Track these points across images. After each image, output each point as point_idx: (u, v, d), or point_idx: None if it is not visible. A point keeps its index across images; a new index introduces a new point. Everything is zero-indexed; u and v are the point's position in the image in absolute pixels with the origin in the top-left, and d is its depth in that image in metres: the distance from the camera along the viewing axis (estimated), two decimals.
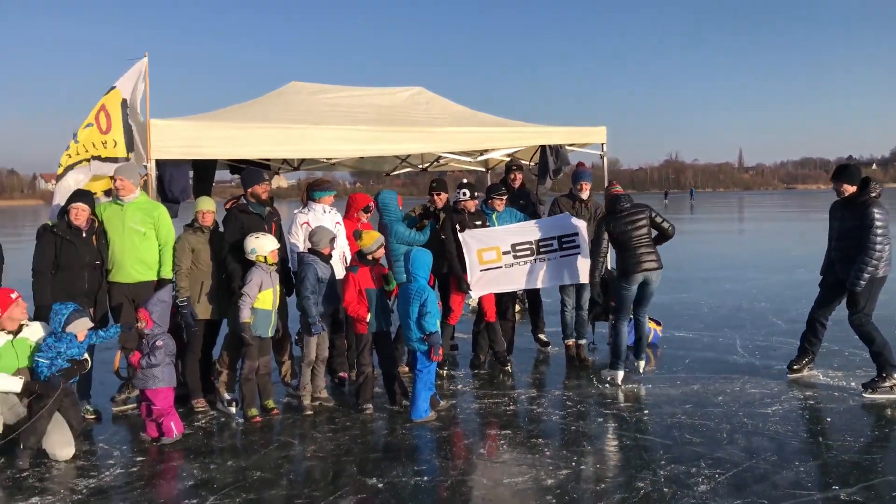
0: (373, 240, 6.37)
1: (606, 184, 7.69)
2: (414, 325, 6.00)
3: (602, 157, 9.26)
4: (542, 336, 8.55)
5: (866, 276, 6.20)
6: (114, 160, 6.99)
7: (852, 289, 6.28)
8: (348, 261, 6.88)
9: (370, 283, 6.28)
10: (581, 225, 7.58)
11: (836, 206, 6.63)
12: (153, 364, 5.66)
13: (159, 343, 5.71)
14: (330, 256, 6.46)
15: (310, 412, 6.26)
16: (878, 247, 6.15)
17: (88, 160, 6.99)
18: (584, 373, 7.44)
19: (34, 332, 5.56)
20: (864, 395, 6.31)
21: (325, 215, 7.00)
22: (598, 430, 5.72)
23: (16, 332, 5.46)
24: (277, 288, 6.23)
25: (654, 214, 7.05)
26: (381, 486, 4.71)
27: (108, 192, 6.95)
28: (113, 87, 7.21)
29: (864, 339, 6.43)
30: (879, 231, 6.17)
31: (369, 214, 7.34)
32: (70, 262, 6.06)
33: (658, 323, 8.62)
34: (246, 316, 6.03)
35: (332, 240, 6.49)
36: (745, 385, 6.76)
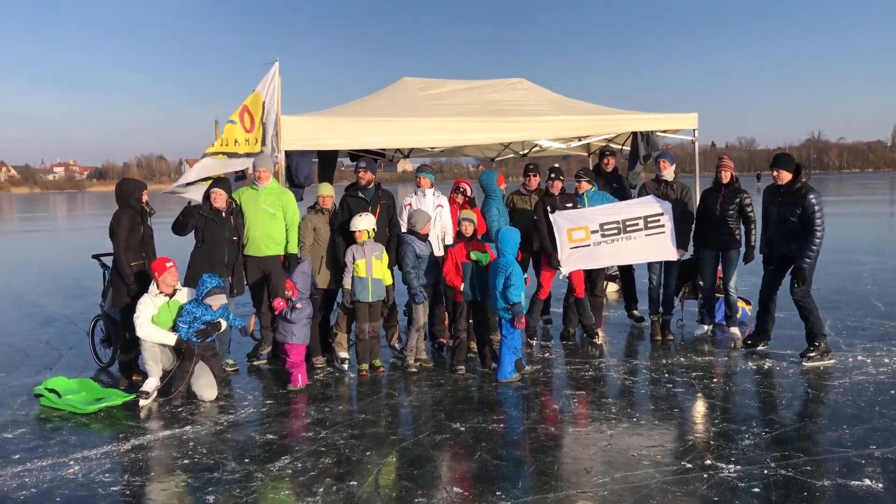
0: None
1: (699, 171, 8.13)
2: (499, 296, 6.77)
3: (693, 142, 9.58)
4: (635, 312, 9.06)
5: (812, 254, 6.84)
6: (249, 155, 8.16)
7: (801, 265, 6.85)
8: (447, 238, 7.75)
9: (465, 258, 7.10)
10: (667, 206, 8.03)
11: (771, 191, 7.27)
12: (291, 321, 6.73)
13: (299, 306, 6.78)
14: (426, 235, 7.30)
15: (414, 369, 7.19)
16: (819, 230, 6.78)
17: (225, 154, 8.16)
18: (667, 346, 7.94)
19: (184, 296, 6.75)
20: (803, 364, 7.01)
21: (426, 198, 7.85)
22: (665, 394, 6.28)
23: (171, 295, 6.67)
24: (371, 259, 7.14)
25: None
26: (462, 429, 5.53)
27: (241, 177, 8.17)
28: (255, 91, 8.37)
29: (804, 311, 7.08)
30: (818, 214, 6.84)
31: (464, 196, 8.07)
32: (212, 238, 7.24)
33: (748, 302, 8.93)
34: (346, 283, 7.09)
35: (428, 221, 7.32)
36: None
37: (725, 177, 7.91)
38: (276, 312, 6.85)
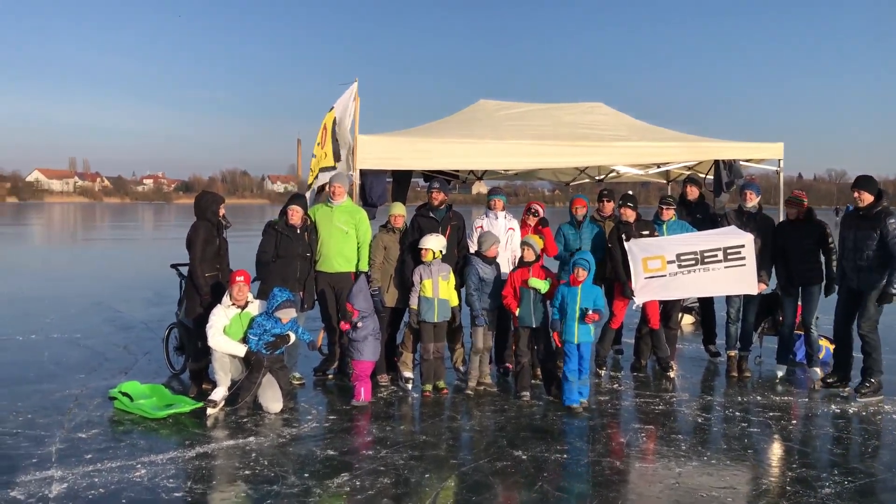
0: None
1: (782, 200, 7.80)
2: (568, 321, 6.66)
3: (778, 172, 9.23)
4: (711, 347, 8.74)
5: (880, 277, 6.57)
6: (328, 169, 8.33)
7: (889, 290, 6.58)
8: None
9: (524, 283, 6.99)
10: (748, 238, 7.71)
11: (849, 217, 7.09)
12: (356, 339, 6.77)
13: (360, 324, 6.81)
14: (494, 258, 7.23)
15: (470, 392, 7.11)
16: None
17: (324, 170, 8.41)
18: (742, 383, 7.60)
19: (256, 308, 6.87)
20: (857, 399, 6.86)
21: (497, 220, 7.79)
22: (739, 433, 5.99)
23: (243, 307, 6.79)
24: (438, 280, 7.10)
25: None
26: (524, 457, 5.40)
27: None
28: (332, 108, 8.56)
29: (868, 346, 6.89)
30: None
31: (535, 217, 7.96)
32: (287, 253, 7.35)
33: (831, 341, 8.47)
34: (412, 302, 7.10)
35: (495, 243, 7.24)
36: None
37: (792, 214, 7.54)
38: (343, 329, 6.89)
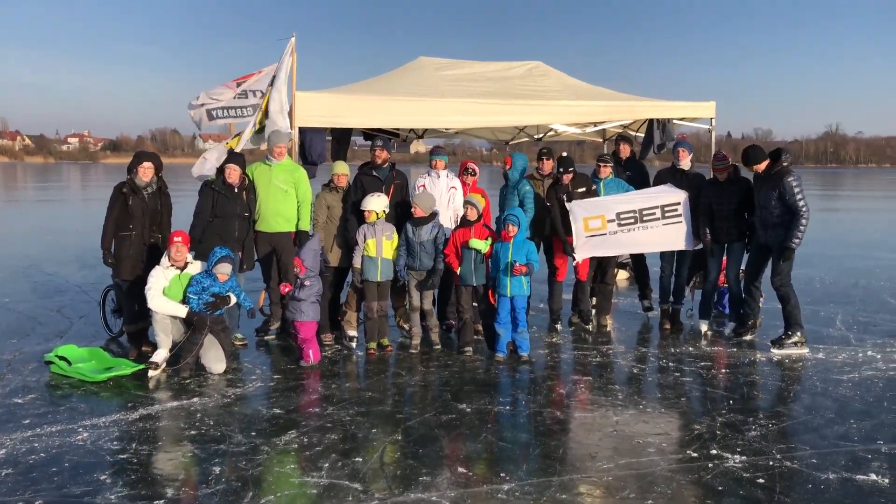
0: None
1: (713, 157, 8.00)
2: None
3: (710, 131, 9.48)
4: (645, 301, 9.02)
5: (799, 235, 6.94)
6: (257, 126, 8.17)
7: (789, 245, 6.96)
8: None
9: (466, 242, 7.08)
10: (683, 195, 7.94)
11: (755, 180, 7.38)
12: (300, 299, 6.75)
13: (307, 283, 6.78)
14: (426, 218, 7.23)
15: (414, 351, 7.20)
16: (804, 208, 6.88)
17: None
18: (675, 335, 7.92)
19: (196, 269, 6.77)
20: (772, 350, 7.18)
21: (439, 180, 7.82)
22: (673, 382, 6.27)
23: (182, 268, 6.69)
24: (382, 239, 7.13)
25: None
26: (468, 410, 5.54)
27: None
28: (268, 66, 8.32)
29: (783, 300, 7.22)
30: (798, 195, 6.94)
31: (473, 177, 8.01)
32: (224, 212, 7.24)
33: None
34: (356, 262, 7.15)
35: (418, 207, 7.21)
36: (831, 355, 7.04)
37: (721, 176, 7.73)
38: (284, 292, 6.85)
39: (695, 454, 4.69)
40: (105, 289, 7.81)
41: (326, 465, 4.52)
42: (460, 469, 4.48)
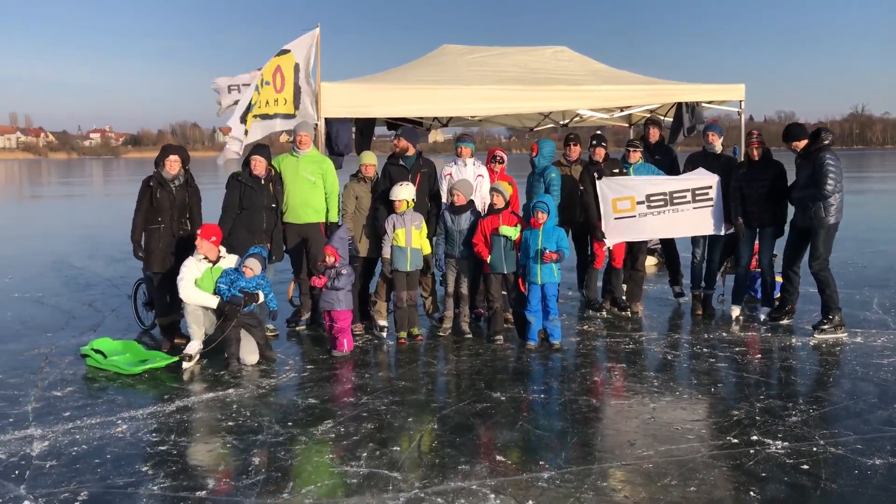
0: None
1: (744, 141, 7.88)
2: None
3: (740, 114, 9.33)
4: (676, 287, 8.92)
5: (829, 210, 6.84)
6: (285, 116, 8.12)
7: (814, 226, 6.88)
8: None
9: (495, 230, 7.03)
10: (715, 179, 7.83)
11: (796, 160, 7.24)
12: (337, 288, 6.75)
13: (343, 272, 6.78)
14: (462, 206, 7.21)
15: (443, 334, 7.26)
16: (829, 187, 6.71)
17: (259, 117, 8.07)
18: (707, 321, 7.83)
19: (228, 263, 6.79)
20: (814, 335, 7.03)
21: (466, 167, 7.77)
22: (708, 368, 6.19)
23: (214, 262, 6.71)
24: (410, 229, 7.10)
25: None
26: (503, 398, 5.52)
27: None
28: (286, 51, 8.20)
29: (821, 284, 7.05)
30: (830, 174, 6.76)
31: (501, 164, 7.97)
32: (251, 204, 7.25)
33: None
34: (385, 252, 7.12)
35: (458, 192, 7.21)
36: (869, 339, 6.92)
37: (755, 154, 7.57)
38: (321, 286, 6.81)
39: (735, 440, 4.64)
40: (136, 282, 7.87)
41: (364, 454, 4.52)
42: (498, 457, 4.46)
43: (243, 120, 7.75)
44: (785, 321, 7.53)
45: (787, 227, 7.49)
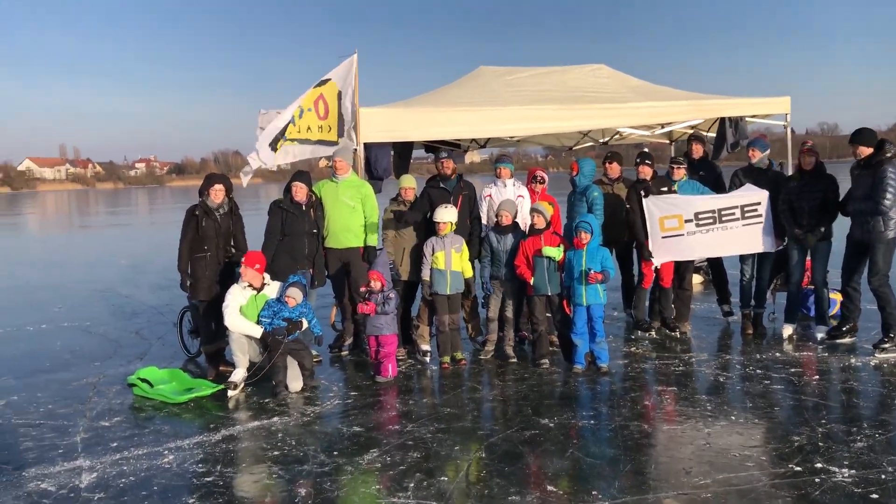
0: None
1: (792, 157, 7.69)
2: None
3: (786, 127, 9.11)
4: (725, 306, 8.68)
5: (882, 226, 6.57)
6: (328, 143, 8.18)
7: (872, 241, 6.62)
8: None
9: (537, 251, 6.92)
10: (764, 195, 7.61)
11: (853, 170, 6.99)
12: (386, 313, 6.70)
13: (391, 296, 6.74)
14: (508, 227, 7.14)
15: (485, 357, 7.14)
16: (888, 202, 6.46)
17: (297, 141, 8.14)
18: (759, 340, 7.59)
19: (272, 290, 6.79)
20: (875, 354, 6.76)
21: (506, 188, 7.69)
22: (763, 390, 5.98)
23: (259, 289, 6.72)
24: (451, 252, 7.03)
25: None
26: (551, 425, 5.38)
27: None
28: (327, 80, 8.30)
29: (881, 300, 6.81)
30: (889, 188, 6.52)
31: (542, 184, 7.88)
32: (293, 230, 7.28)
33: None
34: (424, 275, 7.08)
35: (505, 211, 7.15)
36: None
37: (808, 164, 7.31)
38: (370, 312, 6.73)
39: (798, 468, 4.43)
40: (181, 310, 7.93)
41: (412, 484, 4.42)
42: (549, 487, 4.33)
43: (273, 147, 7.86)
44: (847, 340, 7.24)
45: (833, 241, 7.26)
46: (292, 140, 8.07)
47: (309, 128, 8.19)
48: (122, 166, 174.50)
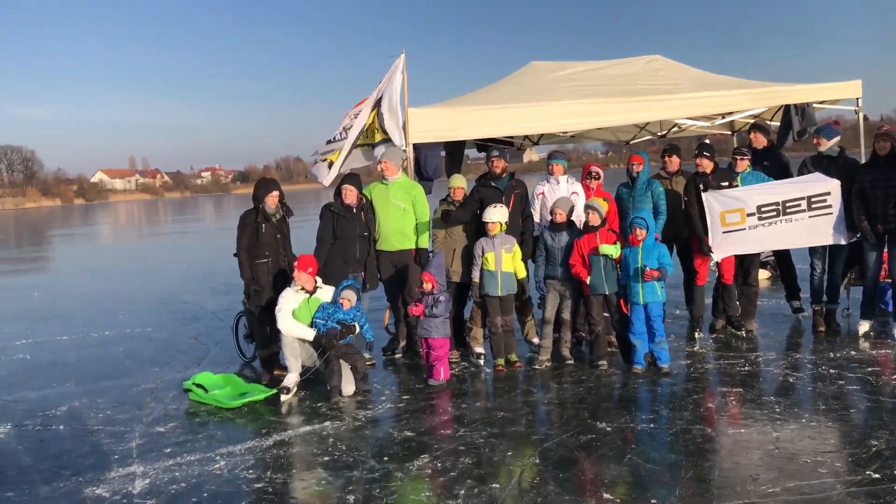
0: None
1: (865, 145, 7.28)
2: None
3: (857, 112, 8.63)
4: (794, 302, 8.27)
5: None
6: (371, 145, 8.17)
7: None
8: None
9: (593, 249, 6.69)
10: (834, 184, 7.21)
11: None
12: (436, 315, 6.60)
13: (441, 299, 6.64)
14: (563, 224, 6.94)
15: (539, 367, 6.87)
16: None
17: (375, 144, 8.17)
18: (832, 338, 7.20)
19: (325, 294, 6.76)
20: None
21: (559, 186, 7.49)
22: (837, 391, 5.63)
23: (311, 293, 6.69)
24: (501, 252, 6.86)
25: None
26: (609, 429, 5.17)
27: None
28: (378, 84, 8.29)
29: None
30: None
31: (597, 180, 7.65)
32: (344, 234, 7.24)
33: None
34: (475, 276, 6.95)
35: (560, 208, 6.95)
36: None
37: (882, 148, 6.86)
38: (419, 314, 6.65)
39: (877, 475, 4.13)
40: (237, 315, 7.98)
41: (462, 491, 4.29)
42: (606, 495, 4.13)
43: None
44: None
45: None
46: (362, 146, 8.26)
47: (366, 134, 8.24)
48: (188, 175, 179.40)
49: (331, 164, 8.18)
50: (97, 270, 18.87)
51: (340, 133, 8.35)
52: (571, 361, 6.96)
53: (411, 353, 7.55)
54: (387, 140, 8.05)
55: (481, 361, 7.15)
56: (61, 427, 5.95)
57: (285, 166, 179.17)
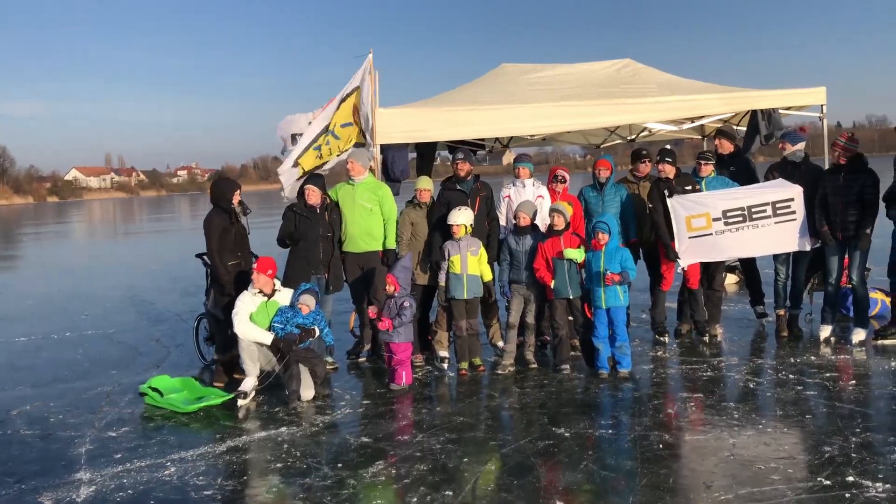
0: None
1: (827, 148, 7.33)
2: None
3: (821, 119, 8.69)
4: (758, 307, 8.30)
5: None
6: (358, 146, 8.09)
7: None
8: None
9: (557, 253, 6.66)
10: (798, 190, 7.25)
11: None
12: (404, 319, 6.51)
13: (406, 304, 6.54)
14: (527, 228, 6.90)
15: (502, 371, 6.81)
16: None
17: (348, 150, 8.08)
18: (794, 343, 7.23)
19: (283, 297, 6.65)
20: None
21: (525, 188, 7.45)
22: (795, 398, 5.64)
23: (269, 296, 6.59)
24: (466, 255, 6.81)
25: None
26: (567, 434, 5.13)
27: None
28: (357, 88, 8.16)
29: None
30: None
31: (563, 184, 7.61)
32: (307, 235, 7.14)
33: (886, 294, 8.01)
34: (441, 279, 6.91)
35: (522, 212, 6.91)
36: None
37: (835, 157, 6.92)
38: (388, 329, 6.54)
39: (828, 482, 4.12)
40: (197, 317, 7.85)
41: (415, 499, 4.22)
42: (558, 502, 4.09)
43: (296, 163, 7.89)
44: (891, 341, 6.83)
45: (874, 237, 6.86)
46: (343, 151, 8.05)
47: (350, 138, 8.12)
48: (164, 174, 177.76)
49: (303, 171, 8.05)
50: (65, 270, 18.56)
51: (298, 137, 8.29)
52: (535, 365, 6.93)
53: (375, 357, 7.47)
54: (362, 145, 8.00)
55: (445, 365, 7.10)
56: (9, 431, 5.80)
57: (262, 165, 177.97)
